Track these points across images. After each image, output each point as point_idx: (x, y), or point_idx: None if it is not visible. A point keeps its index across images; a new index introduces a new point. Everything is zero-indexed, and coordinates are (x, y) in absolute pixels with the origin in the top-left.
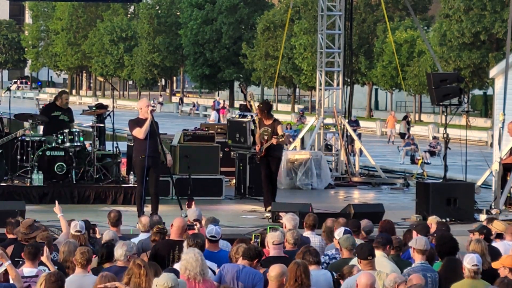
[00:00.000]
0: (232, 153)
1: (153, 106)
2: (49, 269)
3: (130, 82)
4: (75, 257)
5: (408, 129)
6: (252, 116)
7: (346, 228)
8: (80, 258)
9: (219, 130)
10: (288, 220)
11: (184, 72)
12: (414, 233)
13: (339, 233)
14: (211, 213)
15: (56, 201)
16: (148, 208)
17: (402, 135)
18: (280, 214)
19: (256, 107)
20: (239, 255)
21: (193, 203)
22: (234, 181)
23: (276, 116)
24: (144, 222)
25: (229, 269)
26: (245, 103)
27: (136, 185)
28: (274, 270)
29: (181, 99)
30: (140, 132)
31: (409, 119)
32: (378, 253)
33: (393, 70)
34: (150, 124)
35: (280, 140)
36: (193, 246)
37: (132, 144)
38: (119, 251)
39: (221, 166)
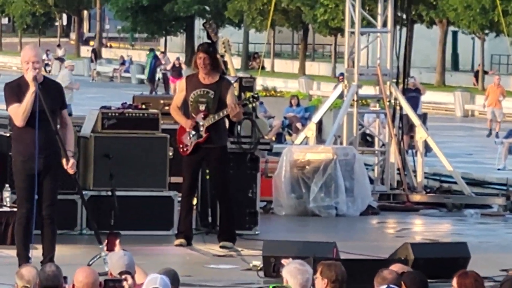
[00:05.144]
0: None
1: (47, 65)
2: None
3: (5, 21)
4: None
5: None
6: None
7: (392, 286)
8: None
9: (166, 108)
10: (291, 273)
11: (103, 2)
12: None
13: None
14: (154, 259)
15: None
16: (38, 251)
17: None
18: (282, 261)
19: (198, 53)
20: None
21: (118, 241)
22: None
23: (274, 82)
24: (28, 276)
25: None
26: None
27: (15, 209)
28: None
29: (94, 51)
30: (17, 115)
31: None
32: None
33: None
34: (36, 98)
35: (237, 111)
36: None
37: (8, 134)
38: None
39: (172, 174)
